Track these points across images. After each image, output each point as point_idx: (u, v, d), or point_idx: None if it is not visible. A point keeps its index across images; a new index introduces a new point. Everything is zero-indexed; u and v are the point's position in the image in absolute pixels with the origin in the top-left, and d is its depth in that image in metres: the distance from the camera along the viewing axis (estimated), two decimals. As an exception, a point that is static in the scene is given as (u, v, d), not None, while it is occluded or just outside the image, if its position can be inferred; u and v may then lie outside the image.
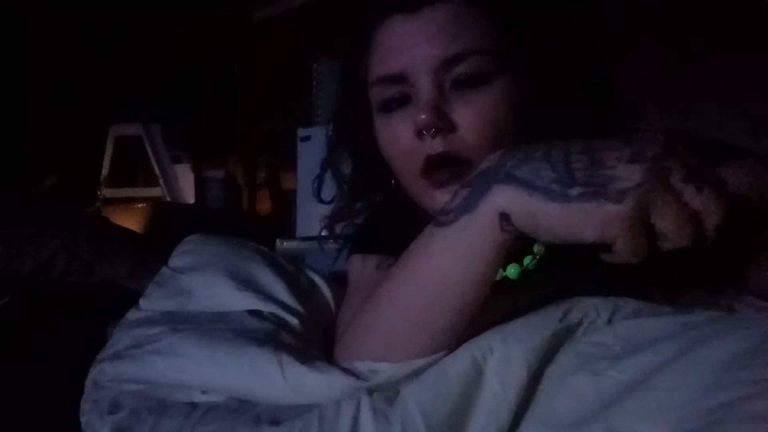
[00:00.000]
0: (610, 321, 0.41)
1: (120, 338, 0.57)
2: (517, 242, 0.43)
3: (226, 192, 2.88)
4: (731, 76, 1.70)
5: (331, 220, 0.73)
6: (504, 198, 0.41)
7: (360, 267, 0.73)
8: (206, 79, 3.33)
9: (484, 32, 0.58)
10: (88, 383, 0.56)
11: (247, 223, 2.83)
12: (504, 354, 0.39)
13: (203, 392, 0.50)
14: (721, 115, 1.69)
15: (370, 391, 0.42)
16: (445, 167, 0.57)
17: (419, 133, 0.57)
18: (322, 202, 0.73)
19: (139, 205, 2.45)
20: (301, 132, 2.25)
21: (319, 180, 0.73)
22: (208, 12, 3.22)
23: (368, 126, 0.65)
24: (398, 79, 0.59)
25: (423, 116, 0.56)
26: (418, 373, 0.44)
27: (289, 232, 2.28)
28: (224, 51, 3.26)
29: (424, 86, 0.57)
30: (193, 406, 0.48)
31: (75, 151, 2.80)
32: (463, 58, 0.56)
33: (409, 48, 0.58)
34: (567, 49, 0.60)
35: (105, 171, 2.87)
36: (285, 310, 0.60)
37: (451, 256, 0.45)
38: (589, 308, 0.41)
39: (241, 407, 0.47)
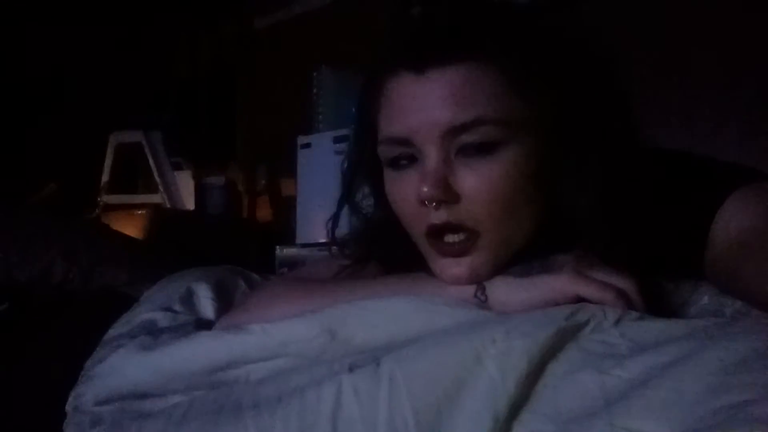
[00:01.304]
0: (617, 323, 0.41)
1: (89, 363, 0.61)
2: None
3: (226, 199, 2.88)
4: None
5: (341, 246, 0.72)
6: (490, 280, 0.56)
7: (326, 260, 0.73)
8: (207, 87, 3.34)
9: (498, 97, 0.54)
10: (68, 409, 0.57)
11: (247, 229, 2.83)
12: (506, 345, 0.38)
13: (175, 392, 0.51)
14: (742, 136, 1.66)
15: (351, 368, 0.42)
16: (449, 233, 0.57)
17: (422, 203, 0.56)
18: (335, 243, 0.71)
19: (140, 212, 2.45)
20: (301, 139, 2.26)
21: (335, 219, 0.70)
22: (209, 20, 3.24)
23: (380, 172, 0.63)
24: (404, 142, 0.57)
25: (425, 189, 0.54)
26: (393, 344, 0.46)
27: (289, 239, 2.28)
28: (225, 59, 3.27)
29: (429, 154, 0.55)
30: (174, 407, 0.48)
31: (76, 158, 2.81)
32: (470, 127, 0.54)
33: (416, 112, 0.55)
34: (594, 116, 0.56)
35: (105, 178, 2.87)
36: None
37: (424, 287, 0.58)
38: (596, 310, 0.42)
39: (218, 398, 0.47)
